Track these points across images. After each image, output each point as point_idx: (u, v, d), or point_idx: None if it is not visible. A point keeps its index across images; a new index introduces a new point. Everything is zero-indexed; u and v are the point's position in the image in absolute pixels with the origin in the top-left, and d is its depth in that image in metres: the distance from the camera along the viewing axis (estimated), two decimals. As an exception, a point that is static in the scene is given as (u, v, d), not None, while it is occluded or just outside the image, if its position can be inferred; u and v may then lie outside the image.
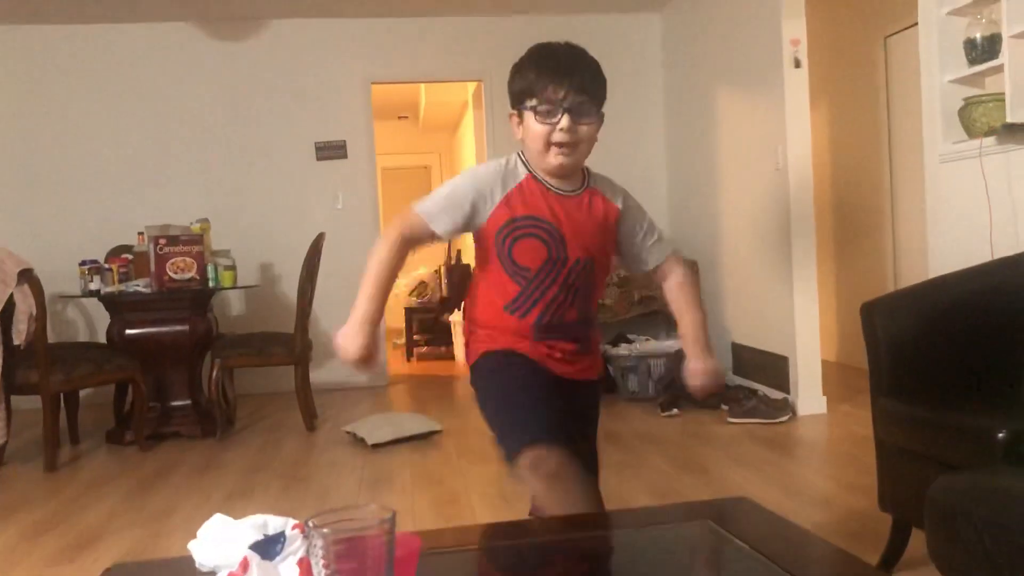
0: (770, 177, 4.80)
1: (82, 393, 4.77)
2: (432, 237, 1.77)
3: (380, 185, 6.52)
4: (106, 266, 4.84)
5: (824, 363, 4.78)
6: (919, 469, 2.24)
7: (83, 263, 4.83)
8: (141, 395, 4.47)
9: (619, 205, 1.84)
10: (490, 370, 1.82)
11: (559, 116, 1.68)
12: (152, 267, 4.56)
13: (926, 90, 3.40)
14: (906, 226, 5.51)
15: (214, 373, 4.64)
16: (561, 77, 1.68)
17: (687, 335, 1.93)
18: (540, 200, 1.75)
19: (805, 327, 4.63)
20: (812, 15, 4.84)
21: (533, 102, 1.70)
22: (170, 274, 4.55)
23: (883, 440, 2.46)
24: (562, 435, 1.69)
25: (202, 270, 4.62)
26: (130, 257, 4.91)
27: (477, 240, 1.82)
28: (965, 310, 2.50)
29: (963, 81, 3.27)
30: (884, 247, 5.73)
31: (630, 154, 6.54)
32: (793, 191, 4.60)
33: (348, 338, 1.68)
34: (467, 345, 1.90)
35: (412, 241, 1.76)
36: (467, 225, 1.77)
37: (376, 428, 4.39)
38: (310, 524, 0.97)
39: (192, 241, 4.61)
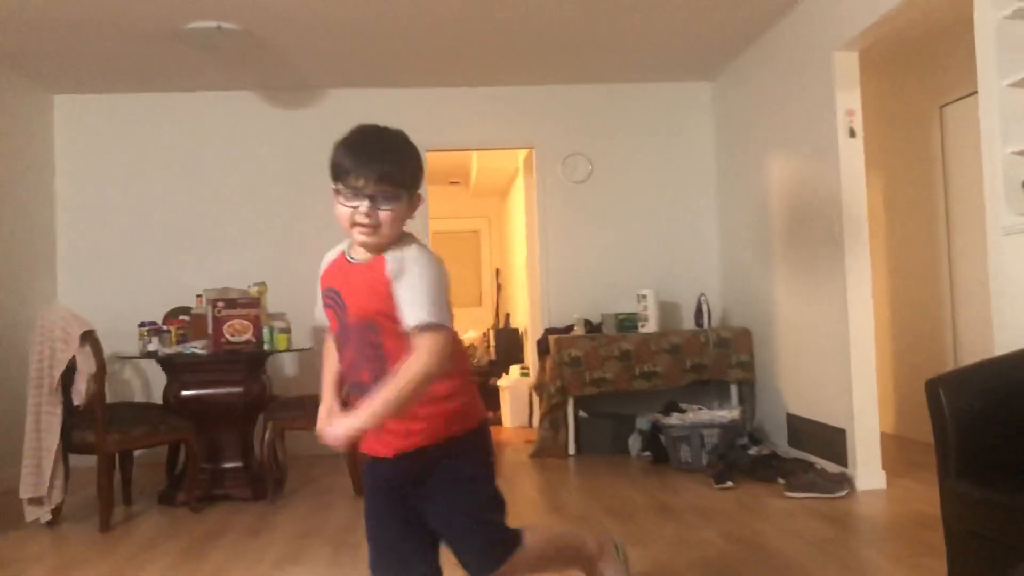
0: (825, 246, 4.75)
1: (136, 453, 4.83)
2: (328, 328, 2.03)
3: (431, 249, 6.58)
4: (164, 328, 4.93)
5: (882, 435, 4.66)
6: (992, 554, 2.16)
7: (142, 324, 4.92)
8: (194, 457, 4.50)
9: (389, 267, 1.84)
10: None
11: (359, 202, 1.80)
12: (210, 329, 4.64)
13: (987, 162, 3.36)
14: (966, 297, 5.40)
15: (266, 435, 4.67)
16: (363, 167, 1.79)
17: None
18: (336, 271, 1.94)
19: (863, 399, 4.53)
20: (867, 83, 4.85)
21: (339, 186, 1.83)
22: (227, 336, 4.62)
23: (952, 522, 2.38)
24: (384, 568, 1.99)
25: (258, 333, 4.69)
26: (188, 319, 5.00)
27: None
28: (1037, 388, 2.43)
29: (1026, 153, 3.23)
30: (943, 318, 5.61)
31: (682, 221, 6.56)
32: (849, 260, 4.55)
33: (333, 424, 1.87)
34: None
35: (329, 333, 2.05)
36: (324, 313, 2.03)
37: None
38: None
39: (249, 304, 4.69)
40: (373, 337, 1.85)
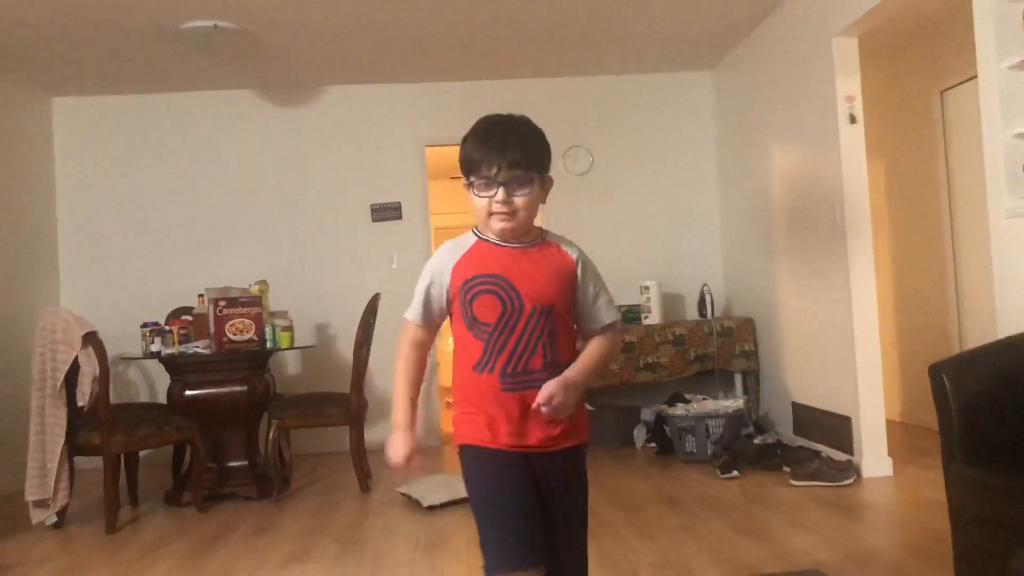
0: (827, 233, 4.74)
1: (141, 453, 4.83)
2: (423, 328, 1.92)
3: (433, 245, 6.57)
4: (167, 328, 4.93)
5: (888, 423, 4.64)
6: (997, 538, 2.15)
7: (145, 325, 4.92)
8: (199, 456, 4.51)
9: (574, 257, 1.92)
10: (474, 471, 1.89)
11: (494, 190, 1.80)
12: (212, 329, 4.64)
13: (988, 145, 3.34)
14: (969, 282, 5.38)
15: (271, 434, 4.67)
16: (494, 154, 1.80)
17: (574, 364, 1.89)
18: (489, 257, 1.86)
19: (868, 386, 4.51)
20: (866, 70, 4.83)
21: (472, 178, 1.83)
22: (229, 335, 4.62)
23: (957, 507, 2.37)
24: (541, 550, 1.80)
25: (260, 331, 4.69)
26: (190, 319, 5.00)
27: (450, 316, 1.93)
28: (1040, 372, 2.41)
29: (1027, 135, 3.21)
30: (947, 304, 5.59)
31: (683, 211, 6.54)
32: (851, 247, 4.53)
33: (395, 447, 1.86)
34: (454, 418, 1.95)
35: (418, 342, 1.93)
36: (439, 306, 1.91)
37: (430, 490, 4.36)
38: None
39: (251, 303, 4.69)
40: (549, 322, 1.85)
